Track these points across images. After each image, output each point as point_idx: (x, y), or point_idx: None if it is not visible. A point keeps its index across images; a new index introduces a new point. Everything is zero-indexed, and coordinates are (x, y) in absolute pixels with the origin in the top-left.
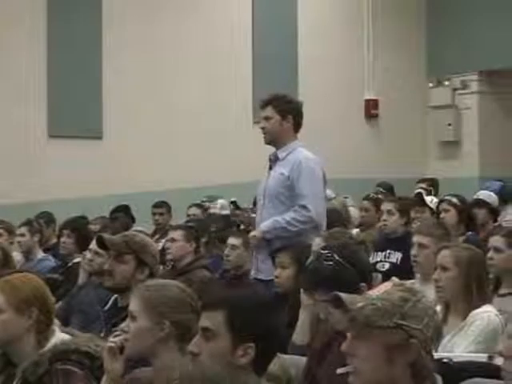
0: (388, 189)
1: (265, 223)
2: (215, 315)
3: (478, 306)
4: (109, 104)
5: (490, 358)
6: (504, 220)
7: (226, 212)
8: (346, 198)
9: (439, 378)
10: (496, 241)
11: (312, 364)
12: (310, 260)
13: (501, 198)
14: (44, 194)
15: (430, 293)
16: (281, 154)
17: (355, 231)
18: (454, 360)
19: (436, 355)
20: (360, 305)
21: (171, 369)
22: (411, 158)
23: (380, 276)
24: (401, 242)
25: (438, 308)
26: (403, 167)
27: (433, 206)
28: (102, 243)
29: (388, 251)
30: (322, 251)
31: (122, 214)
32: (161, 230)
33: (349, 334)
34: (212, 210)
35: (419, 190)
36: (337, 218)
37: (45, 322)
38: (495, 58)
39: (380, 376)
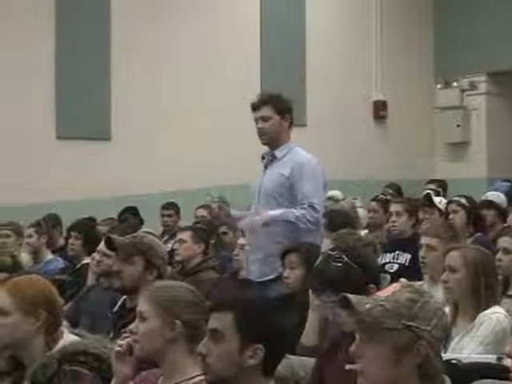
0: (396, 190)
1: (275, 211)
2: (224, 316)
3: (487, 307)
4: (117, 105)
5: (499, 359)
6: None
7: None
8: (354, 199)
9: (448, 380)
10: (505, 242)
11: (321, 365)
12: (318, 261)
13: (509, 199)
14: (52, 196)
15: (438, 294)
16: (279, 154)
17: (363, 232)
18: (463, 361)
19: (445, 356)
20: (368, 306)
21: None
22: (419, 159)
23: (388, 277)
24: (409, 244)
25: (447, 309)
26: (411, 168)
27: (441, 207)
28: (110, 245)
29: (396, 252)
30: (331, 252)
31: (131, 216)
32: (169, 232)
33: (357, 336)
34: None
35: (428, 191)
36: (345, 219)
37: (53, 323)
38: (503, 59)
39: (388, 377)
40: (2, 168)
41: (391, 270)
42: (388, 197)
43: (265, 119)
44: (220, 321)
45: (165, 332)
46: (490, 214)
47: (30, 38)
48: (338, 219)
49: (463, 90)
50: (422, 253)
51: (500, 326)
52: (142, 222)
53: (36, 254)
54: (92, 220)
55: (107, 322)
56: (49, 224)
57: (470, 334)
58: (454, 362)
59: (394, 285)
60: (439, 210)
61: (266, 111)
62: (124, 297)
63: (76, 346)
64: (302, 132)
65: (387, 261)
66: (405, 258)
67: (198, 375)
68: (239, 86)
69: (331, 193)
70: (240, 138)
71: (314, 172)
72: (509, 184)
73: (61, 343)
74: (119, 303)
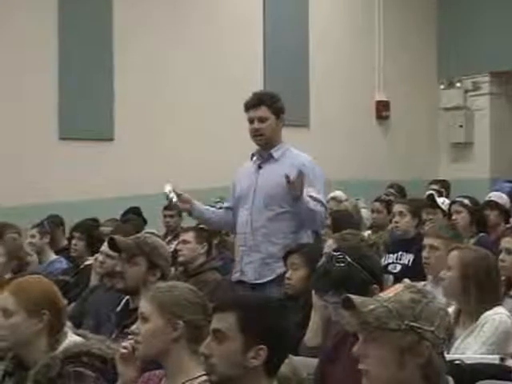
0: (399, 190)
1: (308, 198)
2: (227, 317)
3: (484, 308)
4: (120, 106)
5: (502, 359)
6: None
7: None
8: (357, 199)
9: (451, 380)
10: (507, 242)
11: (324, 365)
12: (321, 262)
13: None
14: (55, 196)
15: (441, 294)
16: (275, 154)
17: (367, 233)
18: (466, 362)
19: (448, 357)
20: (371, 307)
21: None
22: (423, 159)
23: (392, 278)
24: (412, 244)
25: (450, 309)
26: (415, 169)
27: (444, 207)
28: (113, 245)
29: (399, 253)
30: (334, 253)
31: (134, 216)
32: (172, 232)
33: (360, 336)
34: None
35: (431, 192)
36: (348, 219)
37: (56, 324)
38: (507, 59)
39: (391, 377)
40: (5, 168)
41: (394, 271)
42: (391, 197)
43: (262, 120)
44: (223, 321)
45: (167, 332)
46: (493, 215)
47: (33, 37)
48: (342, 220)
49: (466, 91)
50: (425, 253)
51: (503, 326)
52: (145, 222)
53: (39, 255)
54: (95, 220)
55: (110, 323)
56: (52, 224)
57: (472, 334)
58: (457, 362)
59: (397, 285)
60: (442, 210)
61: (264, 111)
62: (127, 297)
63: (79, 347)
64: (304, 132)
65: (390, 261)
66: (408, 258)
67: (201, 375)
68: (242, 87)
69: (334, 193)
70: (244, 138)
71: (320, 174)
72: None
73: (64, 344)
74: (122, 304)
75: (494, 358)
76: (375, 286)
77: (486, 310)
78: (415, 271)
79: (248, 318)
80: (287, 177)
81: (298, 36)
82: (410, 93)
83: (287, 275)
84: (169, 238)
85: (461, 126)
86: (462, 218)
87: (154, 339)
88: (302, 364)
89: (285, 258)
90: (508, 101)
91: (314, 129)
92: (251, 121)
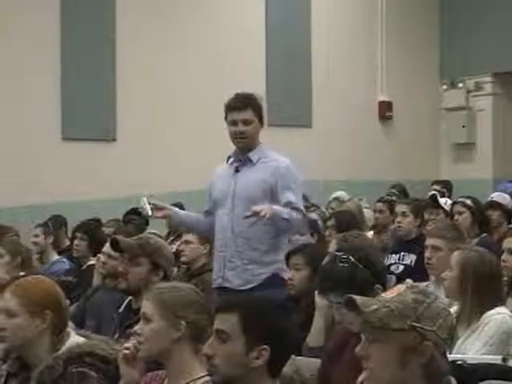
0: (402, 191)
1: (277, 207)
2: (229, 317)
3: (485, 308)
4: (123, 106)
5: (504, 359)
6: None
7: None
8: (360, 200)
9: (453, 380)
10: (509, 242)
11: (327, 365)
12: (324, 262)
13: None
14: (57, 197)
15: (443, 295)
16: (253, 157)
17: (369, 233)
18: (468, 362)
19: (450, 357)
20: (374, 307)
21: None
22: (425, 159)
23: (394, 278)
24: (415, 244)
25: (452, 310)
26: (417, 169)
27: (447, 207)
28: (116, 246)
29: (402, 253)
30: (337, 253)
31: (136, 217)
32: (174, 233)
33: (363, 337)
34: None
35: (433, 192)
36: (351, 220)
37: (59, 324)
38: (509, 60)
39: (394, 378)
40: (7, 169)
41: (397, 271)
42: (393, 197)
43: (247, 122)
44: (226, 322)
45: (169, 333)
46: (495, 215)
47: (35, 38)
48: (345, 220)
49: (469, 91)
50: (427, 253)
51: (505, 326)
52: (147, 222)
53: (42, 255)
54: (97, 221)
55: (113, 323)
56: (55, 225)
57: (474, 334)
58: (459, 362)
59: (400, 286)
60: (445, 210)
61: (248, 114)
62: (130, 298)
63: (82, 348)
64: (307, 133)
65: (393, 262)
66: (410, 258)
67: (204, 376)
68: (244, 87)
69: (337, 193)
70: None
71: (297, 177)
72: None
73: (67, 344)
74: (125, 304)
75: (496, 358)
76: (378, 286)
77: (487, 310)
78: (418, 272)
79: (250, 319)
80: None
81: (300, 36)
82: (412, 93)
83: (289, 276)
84: (171, 238)
85: (463, 127)
86: (464, 218)
87: (157, 339)
88: (305, 364)
89: (287, 258)
90: (510, 101)
91: (316, 129)
92: (234, 123)
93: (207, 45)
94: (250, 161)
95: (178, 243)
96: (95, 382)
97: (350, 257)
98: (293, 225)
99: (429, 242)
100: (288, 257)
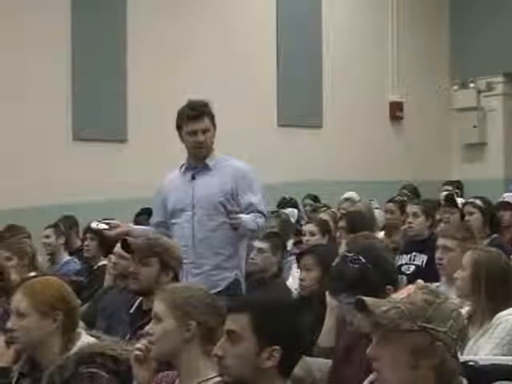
0: (413, 191)
1: (245, 216)
2: (240, 318)
3: (497, 308)
4: (134, 107)
5: None
6: None
7: None
8: (371, 200)
9: (465, 381)
10: None
11: (338, 365)
12: (335, 262)
13: None
14: (68, 198)
15: (454, 295)
16: (210, 163)
17: (380, 234)
18: (480, 363)
19: (462, 358)
20: (384, 308)
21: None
22: (436, 160)
23: (405, 278)
24: (426, 245)
25: (464, 310)
26: (428, 169)
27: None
28: (126, 246)
29: (413, 254)
30: (348, 253)
31: (146, 218)
32: None
33: (373, 338)
34: None
35: (450, 192)
36: (362, 220)
37: (70, 325)
38: None
39: (405, 379)
40: (18, 169)
41: (408, 272)
42: (405, 198)
43: (205, 131)
44: (236, 322)
45: (180, 333)
46: (506, 215)
47: (46, 39)
48: (356, 221)
49: (480, 91)
50: (438, 254)
51: None
52: None
53: (54, 255)
54: None
55: (124, 324)
56: (66, 225)
57: (486, 335)
58: (471, 363)
59: (410, 286)
60: (460, 210)
61: (206, 123)
62: (140, 298)
63: (93, 348)
64: (318, 133)
65: (404, 262)
66: (421, 259)
67: (215, 377)
68: (256, 88)
69: (348, 194)
70: (259, 138)
71: (256, 178)
72: None
73: (78, 345)
74: (136, 305)
75: (508, 359)
76: (389, 286)
77: (499, 310)
78: (429, 272)
79: (261, 319)
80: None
81: (311, 36)
82: (423, 93)
83: (300, 276)
84: None
85: (474, 127)
86: (474, 219)
87: (167, 339)
88: (316, 365)
89: (298, 259)
90: None
91: (327, 130)
92: (194, 133)
93: (218, 45)
94: (207, 167)
95: None
96: (106, 383)
97: (361, 257)
98: (256, 231)
99: (440, 242)
100: (299, 257)
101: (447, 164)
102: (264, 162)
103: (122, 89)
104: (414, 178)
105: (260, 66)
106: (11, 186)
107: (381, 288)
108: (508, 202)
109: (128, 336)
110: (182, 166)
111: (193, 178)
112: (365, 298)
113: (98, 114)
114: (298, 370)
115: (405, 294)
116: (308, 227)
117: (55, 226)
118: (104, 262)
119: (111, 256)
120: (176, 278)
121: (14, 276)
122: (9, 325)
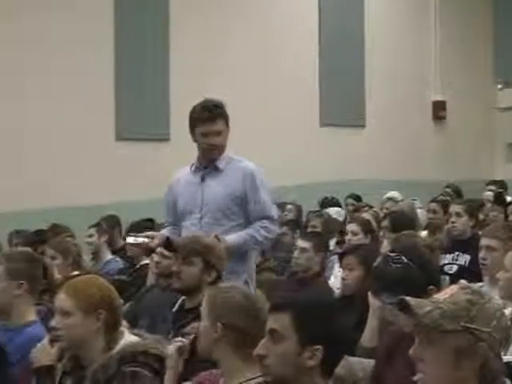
0: (456, 191)
1: (233, 239)
2: (282, 317)
3: None
4: (176, 106)
5: None
6: None
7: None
8: (413, 200)
9: (509, 382)
10: None
11: (380, 365)
12: (377, 262)
13: None
14: (111, 197)
15: (498, 295)
16: (221, 165)
17: (423, 233)
18: None
19: (505, 358)
20: (427, 309)
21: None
22: (479, 159)
23: (447, 278)
24: (469, 244)
25: (507, 311)
26: (471, 169)
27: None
28: (169, 245)
29: (456, 253)
30: (390, 253)
31: None
32: None
33: (416, 338)
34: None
35: (500, 191)
36: (404, 220)
37: (113, 323)
38: None
39: (448, 379)
40: (62, 170)
41: (450, 271)
42: (448, 198)
43: (219, 133)
44: (279, 321)
45: (210, 333)
46: None
47: (89, 38)
48: (399, 220)
49: None
50: (482, 254)
51: None
52: None
53: (96, 254)
54: (151, 221)
55: (166, 323)
56: (109, 224)
57: None
58: None
59: (453, 286)
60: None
61: (221, 125)
62: (183, 297)
63: (136, 347)
64: (361, 133)
65: (446, 262)
66: (464, 259)
67: (257, 377)
68: (297, 87)
69: (390, 194)
70: (301, 138)
71: (264, 181)
72: None
73: (121, 343)
74: (178, 303)
75: None
76: (431, 286)
77: None
78: (472, 272)
79: (303, 318)
80: None
81: (353, 36)
82: (466, 93)
83: (343, 275)
84: None
85: None
86: None
87: (203, 338)
88: (359, 364)
89: (340, 258)
90: None
91: (370, 129)
92: (206, 135)
93: (260, 42)
94: (217, 168)
95: None
96: (148, 381)
97: (403, 257)
98: (264, 243)
99: (483, 242)
100: (341, 257)
101: (490, 163)
102: (306, 162)
103: (165, 88)
104: (456, 177)
105: (302, 66)
106: (65, 185)
107: (423, 288)
108: None
109: (171, 335)
110: (193, 165)
111: (202, 179)
112: (407, 298)
113: (141, 113)
114: (339, 369)
115: (447, 294)
116: (350, 227)
117: (98, 225)
118: (146, 260)
119: (153, 255)
120: (219, 278)
121: (58, 275)
122: (53, 323)
